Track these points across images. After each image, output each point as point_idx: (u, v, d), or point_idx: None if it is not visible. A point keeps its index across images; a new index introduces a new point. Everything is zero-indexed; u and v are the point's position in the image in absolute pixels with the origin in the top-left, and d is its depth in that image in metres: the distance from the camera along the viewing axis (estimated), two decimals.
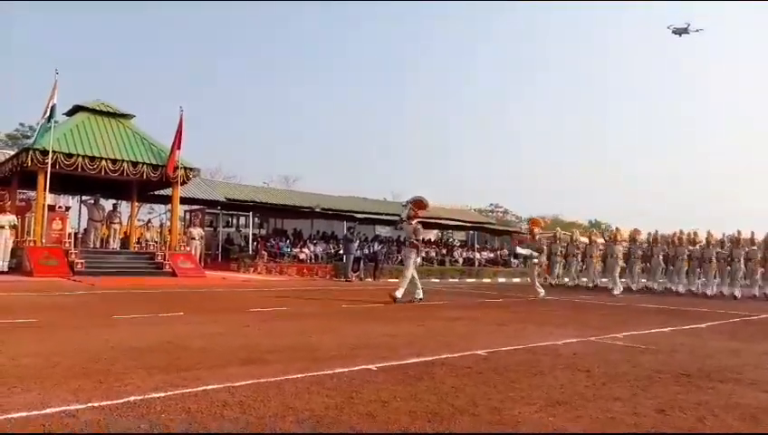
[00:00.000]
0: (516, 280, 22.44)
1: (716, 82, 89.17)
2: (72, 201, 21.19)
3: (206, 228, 21.86)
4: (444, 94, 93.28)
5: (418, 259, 11.15)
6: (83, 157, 15.35)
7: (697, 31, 37.24)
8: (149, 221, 24.87)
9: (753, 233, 16.96)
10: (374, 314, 8.49)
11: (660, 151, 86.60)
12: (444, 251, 26.88)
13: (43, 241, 15.07)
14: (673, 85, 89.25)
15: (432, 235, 31.17)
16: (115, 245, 18.03)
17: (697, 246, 17.34)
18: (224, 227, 24.41)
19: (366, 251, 21.72)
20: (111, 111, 17.40)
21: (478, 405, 3.21)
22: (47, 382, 3.37)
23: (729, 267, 16.57)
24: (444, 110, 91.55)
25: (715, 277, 16.75)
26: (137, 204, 21.90)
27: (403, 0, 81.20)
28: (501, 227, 34.66)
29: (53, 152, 14.69)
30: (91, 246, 16.97)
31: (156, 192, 19.94)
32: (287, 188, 37.80)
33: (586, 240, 19.74)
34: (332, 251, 22.33)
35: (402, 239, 11.74)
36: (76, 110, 17.22)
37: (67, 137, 15.70)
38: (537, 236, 14.13)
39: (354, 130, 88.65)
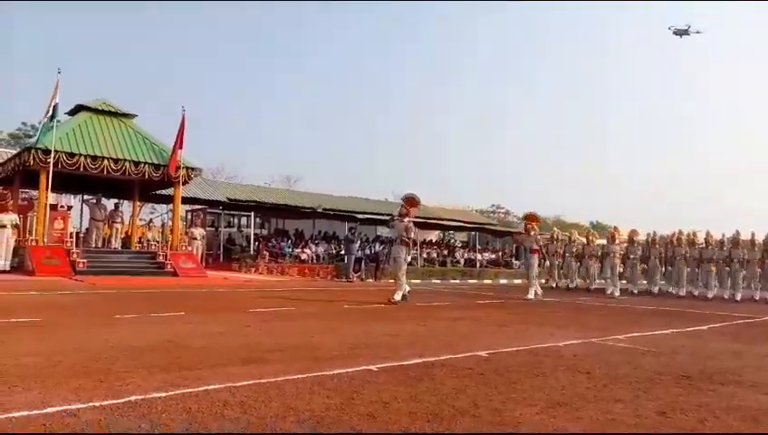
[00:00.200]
0: (518, 281, 22.39)
1: (716, 83, 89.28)
2: (73, 201, 21.16)
3: (207, 228, 21.83)
4: (444, 95, 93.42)
5: (408, 257, 10.94)
6: (85, 156, 15.39)
7: (698, 33, 37.35)
8: (151, 221, 24.95)
9: (753, 234, 16.82)
10: (375, 314, 8.49)
11: (660, 151, 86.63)
12: (445, 252, 26.84)
13: (45, 240, 15.09)
14: (673, 85, 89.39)
15: (433, 235, 31.14)
16: (117, 244, 18.04)
17: (696, 248, 17.29)
18: (225, 227, 24.39)
19: (367, 251, 21.74)
20: (113, 110, 17.43)
21: (479, 406, 3.21)
22: (48, 382, 3.37)
23: (728, 268, 16.52)
24: (444, 110, 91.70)
25: (714, 279, 16.70)
26: (138, 204, 21.94)
27: (407, 0, 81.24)
28: (502, 228, 34.58)
29: (56, 152, 14.73)
30: (93, 245, 16.99)
31: (157, 192, 19.96)
32: (289, 189, 37.78)
33: (584, 240, 19.71)
34: (334, 251, 22.32)
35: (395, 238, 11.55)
36: (78, 109, 17.26)
37: (69, 136, 15.74)
38: (532, 233, 13.90)
39: (355, 131, 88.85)
